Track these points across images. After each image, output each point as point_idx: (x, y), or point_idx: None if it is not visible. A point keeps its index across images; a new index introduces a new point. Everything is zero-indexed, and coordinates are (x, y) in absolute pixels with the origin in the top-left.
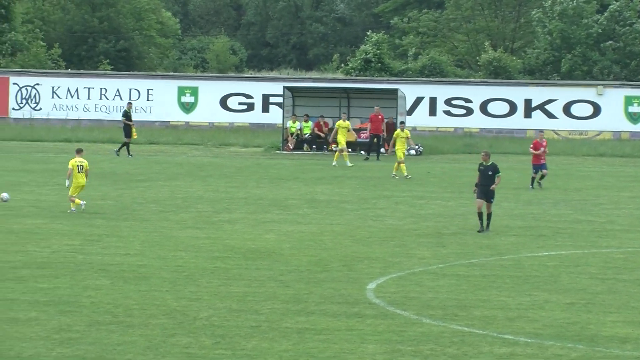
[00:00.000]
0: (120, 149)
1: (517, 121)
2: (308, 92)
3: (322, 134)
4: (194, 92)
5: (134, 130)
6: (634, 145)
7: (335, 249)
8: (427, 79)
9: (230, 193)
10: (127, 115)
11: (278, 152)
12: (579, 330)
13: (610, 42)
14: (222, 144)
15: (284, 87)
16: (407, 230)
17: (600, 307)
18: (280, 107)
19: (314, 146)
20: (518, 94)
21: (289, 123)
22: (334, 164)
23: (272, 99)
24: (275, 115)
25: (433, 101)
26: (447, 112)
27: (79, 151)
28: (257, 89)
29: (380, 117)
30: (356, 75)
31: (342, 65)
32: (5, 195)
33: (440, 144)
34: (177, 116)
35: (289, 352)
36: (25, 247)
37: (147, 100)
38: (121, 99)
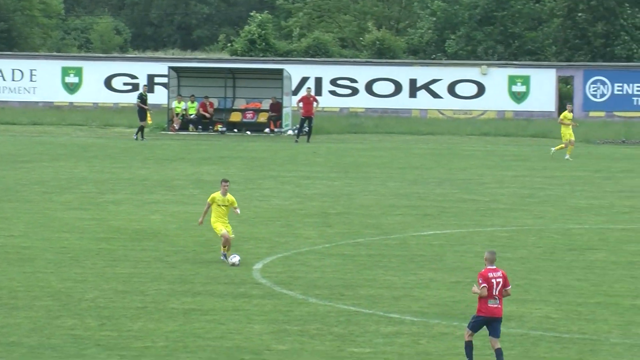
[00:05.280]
0: (137, 133)
1: (402, 101)
2: (193, 73)
3: (207, 114)
4: (78, 72)
5: (148, 114)
6: (518, 124)
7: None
8: (313, 59)
9: (115, 174)
10: (142, 98)
11: (163, 132)
12: (464, 308)
13: (491, 27)
14: (106, 124)
15: (169, 67)
16: (293, 210)
17: None
18: (166, 87)
19: (199, 126)
20: (403, 73)
21: (175, 103)
22: (566, 157)
23: (157, 79)
24: (160, 96)
25: (319, 81)
26: (333, 92)
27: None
28: (142, 69)
29: (312, 99)
30: (241, 56)
31: (228, 45)
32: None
33: (325, 124)
34: (61, 97)
35: (175, 333)
36: None
37: (31, 81)
38: (4, 80)
